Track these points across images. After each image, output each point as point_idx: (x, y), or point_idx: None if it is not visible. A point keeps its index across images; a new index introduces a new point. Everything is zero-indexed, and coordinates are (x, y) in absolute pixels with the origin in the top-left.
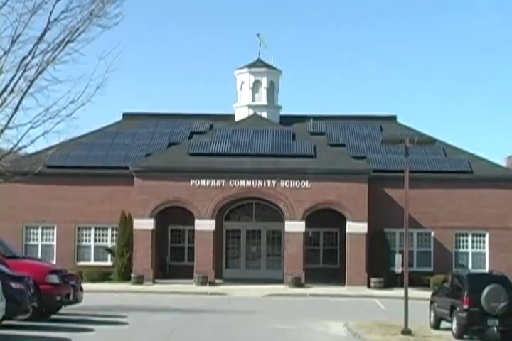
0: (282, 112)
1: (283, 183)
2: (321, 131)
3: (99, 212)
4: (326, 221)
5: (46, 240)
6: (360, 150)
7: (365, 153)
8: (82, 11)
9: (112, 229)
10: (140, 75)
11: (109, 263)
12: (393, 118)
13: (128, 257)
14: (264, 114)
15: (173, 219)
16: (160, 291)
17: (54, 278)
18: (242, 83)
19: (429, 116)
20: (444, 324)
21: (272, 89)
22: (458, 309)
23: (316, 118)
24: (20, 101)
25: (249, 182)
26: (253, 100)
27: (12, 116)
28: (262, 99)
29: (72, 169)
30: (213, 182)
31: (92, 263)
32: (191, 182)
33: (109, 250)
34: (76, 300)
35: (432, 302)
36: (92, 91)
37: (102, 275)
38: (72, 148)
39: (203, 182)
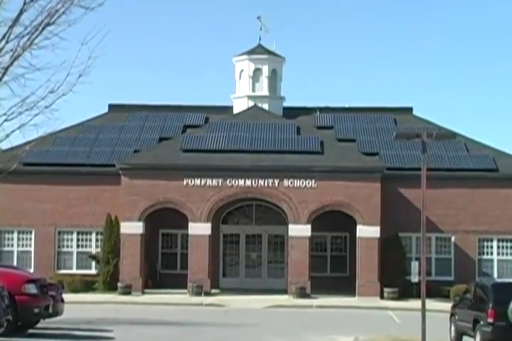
0: (285, 104)
1: (286, 182)
2: (328, 124)
3: (82, 214)
4: (334, 224)
5: (23, 246)
6: (372, 146)
7: (377, 149)
8: None
9: (97, 234)
10: (128, 63)
11: (93, 271)
12: (409, 110)
13: (114, 265)
14: (265, 106)
15: (164, 222)
16: (150, 302)
17: (31, 288)
18: (241, 71)
19: (449, 108)
20: (466, 339)
21: (274, 78)
22: (482, 323)
23: (323, 110)
24: None
25: (248, 182)
26: (253, 90)
27: None
28: (263, 89)
29: (52, 167)
30: (209, 182)
31: (74, 271)
32: (185, 182)
33: (94, 257)
34: (56, 313)
35: (452, 315)
36: (74, 80)
37: (86, 285)
38: (51, 144)
39: (197, 182)
